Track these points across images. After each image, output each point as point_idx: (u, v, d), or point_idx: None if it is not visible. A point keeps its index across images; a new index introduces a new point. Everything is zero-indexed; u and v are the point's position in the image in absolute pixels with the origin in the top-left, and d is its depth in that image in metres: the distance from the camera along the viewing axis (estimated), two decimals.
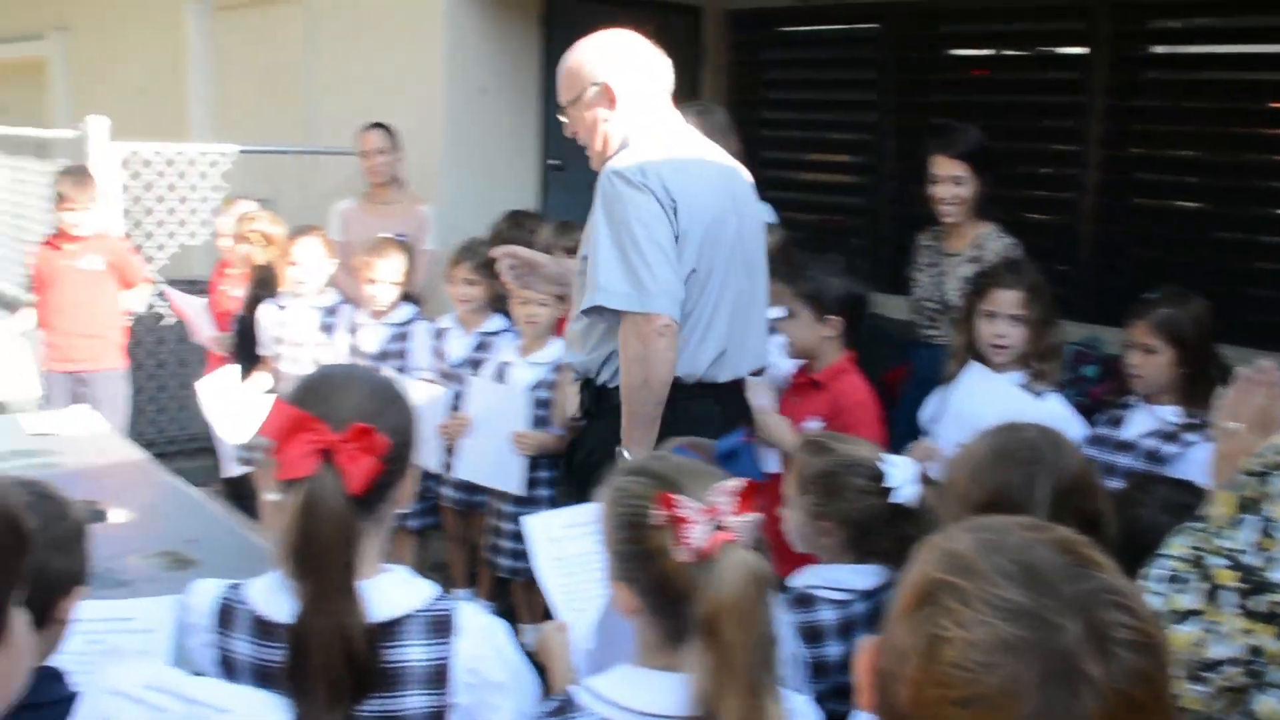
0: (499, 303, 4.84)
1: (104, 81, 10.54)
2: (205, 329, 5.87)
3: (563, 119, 3.33)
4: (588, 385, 3.28)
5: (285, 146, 7.15)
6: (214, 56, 8.90)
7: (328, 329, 5.07)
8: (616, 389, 3.09)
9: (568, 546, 2.49)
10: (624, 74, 3.19)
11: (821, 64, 7.59)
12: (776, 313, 3.87)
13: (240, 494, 5.00)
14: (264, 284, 5.33)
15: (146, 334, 6.64)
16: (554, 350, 4.49)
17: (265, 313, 5.19)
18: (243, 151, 6.70)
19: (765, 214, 4.01)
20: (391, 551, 1.97)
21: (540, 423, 4.47)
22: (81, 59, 11.08)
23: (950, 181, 4.43)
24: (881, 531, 2.46)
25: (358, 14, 7.34)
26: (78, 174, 5.88)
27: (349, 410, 1.80)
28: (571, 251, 4.54)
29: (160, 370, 6.77)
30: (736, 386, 3.31)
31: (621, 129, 3.20)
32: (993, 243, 4.42)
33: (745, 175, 3.41)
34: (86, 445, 4.27)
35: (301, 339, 5.06)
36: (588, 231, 3.23)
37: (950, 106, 6.43)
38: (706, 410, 3.15)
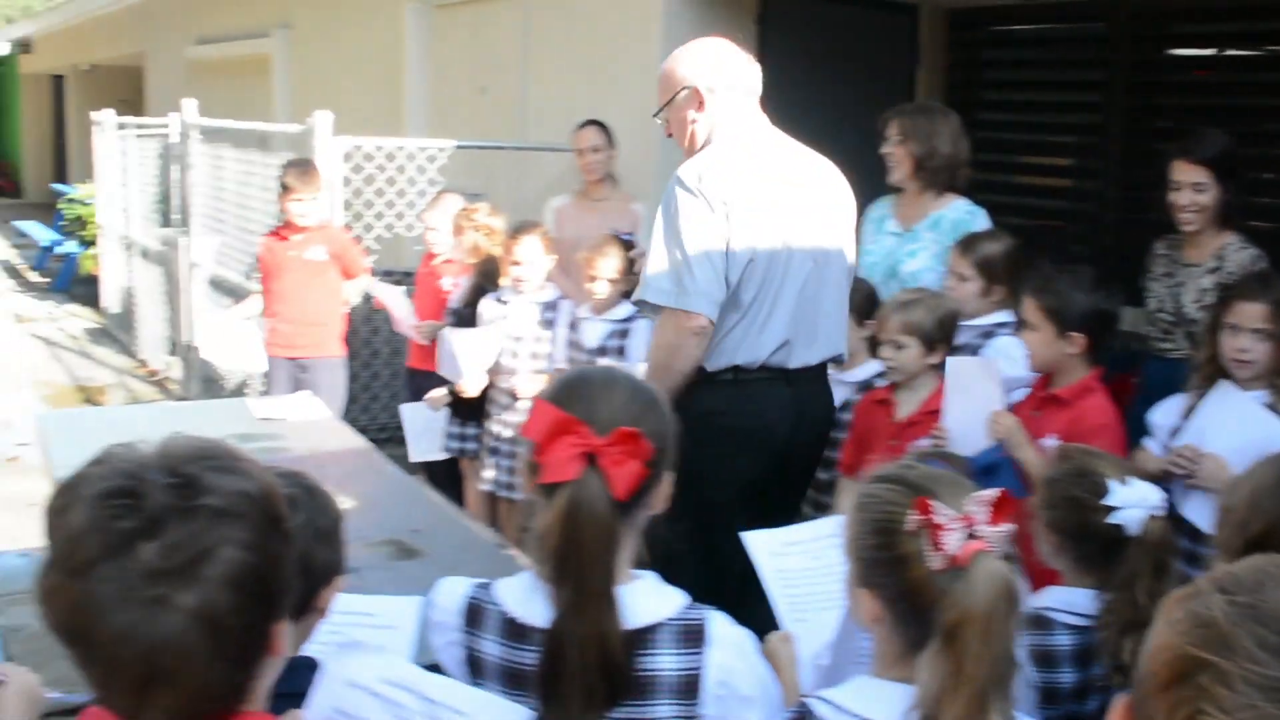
0: None
1: (323, 77, 10.88)
2: (406, 318, 5.95)
3: (658, 120, 3.60)
4: None
5: (500, 142, 7.24)
6: (431, 53, 9.08)
7: (547, 324, 5.10)
8: (699, 370, 3.32)
9: (789, 560, 2.51)
10: (712, 79, 3.45)
11: (1041, 64, 7.38)
12: (1000, 317, 3.75)
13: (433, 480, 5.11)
14: (488, 276, 5.38)
15: (362, 323, 6.80)
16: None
17: (486, 306, 5.25)
18: (459, 147, 6.81)
19: (965, 215, 4.25)
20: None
21: None
22: (302, 55, 11.45)
23: (1191, 188, 4.22)
24: (1102, 554, 2.34)
25: (574, 11, 7.41)
26: (303, 167, 6.04)
27: (612, 414, 1.79)
28: None
29: (374, 359, 6.93)
30: (811, 373, 3.48)
31: (706, 129, 3.46)
32: (1235, 254, 4.19)
33: (828, 173, 3.57)
34: (311, 431, 4.38)
35: (521, 333, 5.11)
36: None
37: (1179, 109, 6.19)
38: (776, 393, 3.39)
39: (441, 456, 5.49)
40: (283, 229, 6.10)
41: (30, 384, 9.75)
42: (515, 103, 7.93)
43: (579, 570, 1.74)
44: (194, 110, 8.72)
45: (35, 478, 7.09)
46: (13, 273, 16.32)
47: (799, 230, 3.40)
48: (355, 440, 4.33)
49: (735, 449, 3.35)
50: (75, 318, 12.80)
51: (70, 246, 14.09)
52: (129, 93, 18.19)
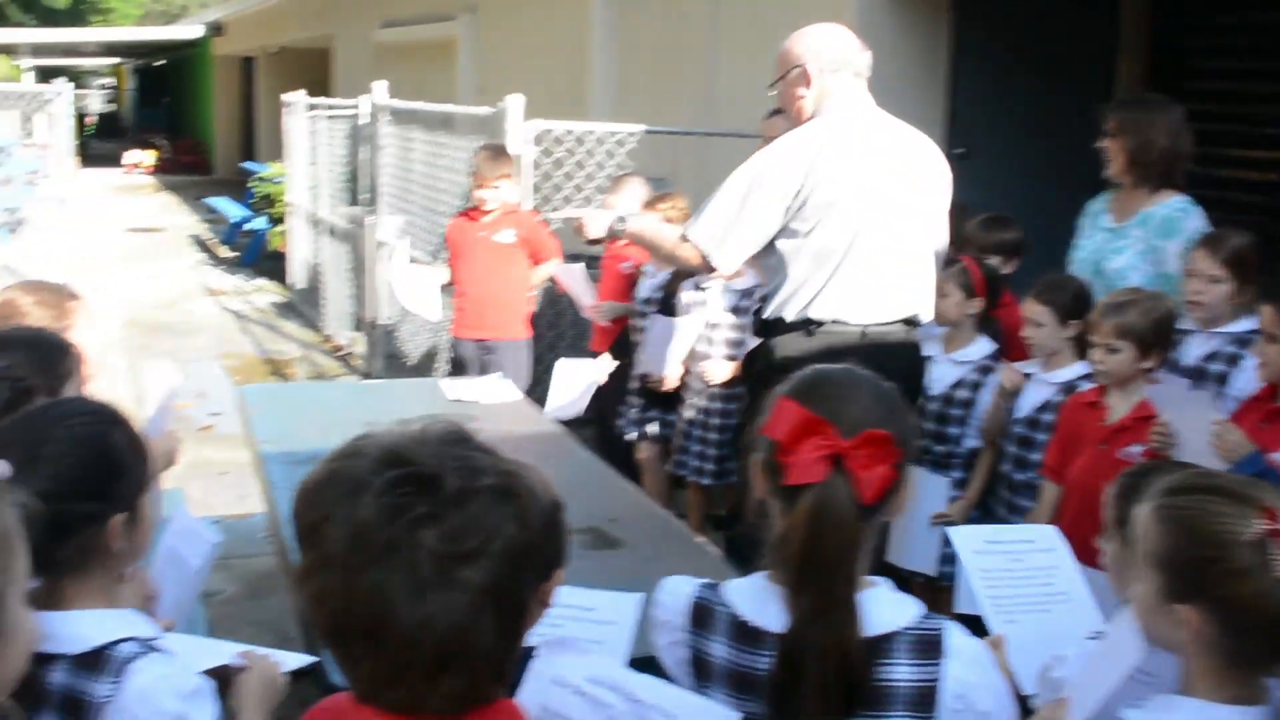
0: None
1: (508, 60, 11.00)
2: (587, 299, 5.95)
3: (771, 92, 4.09)
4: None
5: (687, 127, 7.21)
6: (616, 36, 9.10)
7: (743, 311, 5.07)
8: (776, 321, 3.79)
9: (991, 560, 2.48)
10: (819, 60, 3.82)
11: (1250, 53, 7.06)
12: (1251, 323, 3.54)
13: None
14: None
15: (547, 306, 6.84)
16: (980, 346, 4.35)
17: (685, 292, 5.25)
18: (648, 132, 6.79)
19: (1176, 212, 4.13)
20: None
21: (957, 423, 4.32)
22: (487, 38, 11.59)
23: None
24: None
25: None
26: (495, 150, 6.09)
27: (858, 415, 1.73)
28: (998, 249, 4.46)
29: (559, 341, 6.96)
30: (886, 331, 3.78)
31: (811, 105, 3.85)
32: None
33: (924, 151, 3.96)
34: (504, 414, 4.41)
35: (718, 320, 5.10)
36: None
37: None
38: (849, 345, 3.63)
39: (571, 415, 5.35)
40: (473, 210, 6.16)
41: (221, 355, 10.07)
42: (703, 87, 7.89)
43: (821, 576, 1.69)
44: (384, 92, 8.86)
45: (227, 447, 7.33)
46: (203, 247, 16.89)
47: (884, 200, 3.74)
48: (548, 424, 4.35)
49: None
50: (262, 292, 13.17)
51: (259, 223, 14.51)
52: (316, 74, 18.64)
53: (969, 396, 4.31)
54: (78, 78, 58.09)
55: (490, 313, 6.14)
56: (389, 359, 9.02)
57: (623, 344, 5.83)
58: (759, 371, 3.92)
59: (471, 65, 11.87)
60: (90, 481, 1.89)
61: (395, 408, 4.37)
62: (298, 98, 11.78)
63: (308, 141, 11.61)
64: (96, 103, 52.30)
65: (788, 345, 3.77)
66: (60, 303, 3.12)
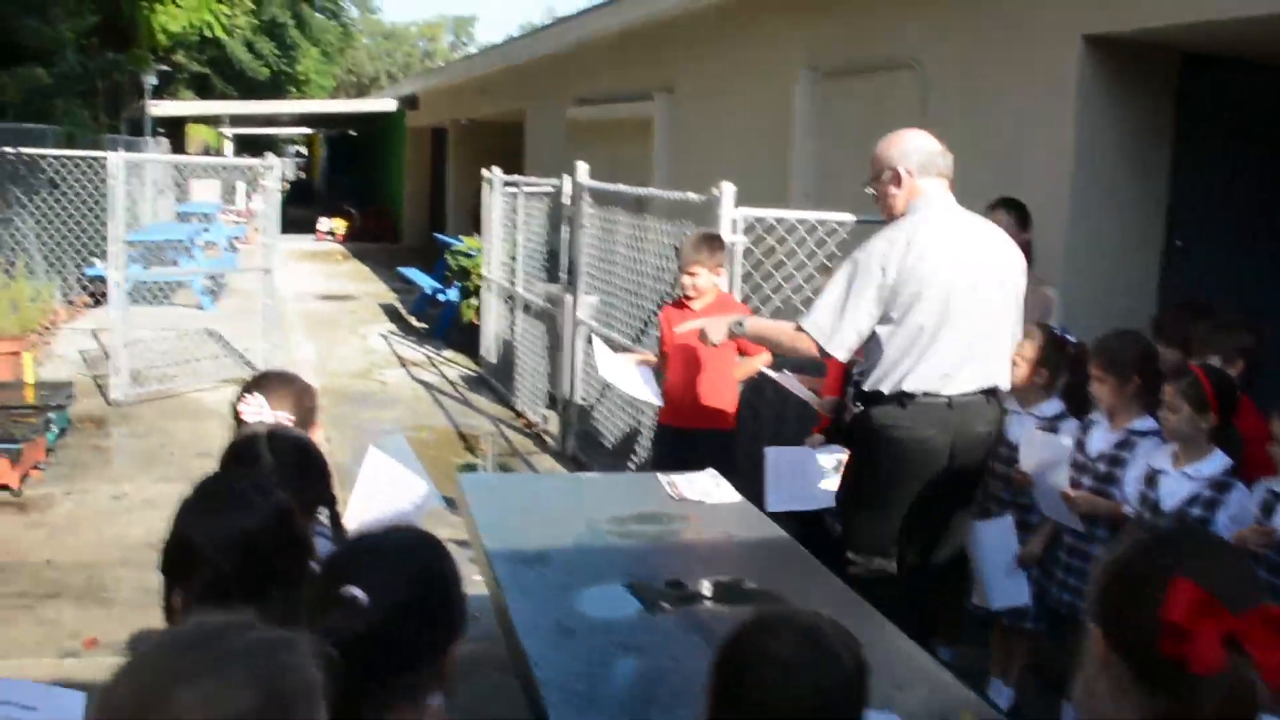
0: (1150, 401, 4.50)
1: (704, 141, 11.02)
2: (803, 392, 5.84)
3: (868, 190, 4.61)
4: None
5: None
6: (821, 122, 9.03)
7: None
8: (873, 392, 4.39)
9: None
10: (909, 163, 4.44)
11: None
12: None
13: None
14: None
15: (751, 395, 6.73)
16: (1216, 463, 4.11)
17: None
18: (859, 222, 6.69)
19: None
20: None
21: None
22: (684, 119, 11.63)
23: None
24: None
25: (978, 86, 7.20)
26: (708, 239, 6.04)
27: (1237, 586, 1.53)
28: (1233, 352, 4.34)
29: (762, 432, 6.84)
30: (970, 398, 4.38)
31: (901, 203, 4.45)
32: None
33: (1001, 242, 4.53)
34: (725, 515, 4.31)
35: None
36: None
37: None
38: (938, 413, 4.33)
39: (803, 508, 5.29)
40: (683, 298, 6.11)
41: (415, 427, 10.19)
42: None
43: None
44: (585, 173, 8.93)
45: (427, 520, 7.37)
46: (394, 315, 17.24)
47: (967, 286, 4.29)
48: (771, 528, 4.22)
49: (902, 454, 4.35)
50: (453, 364, 13.36)
51: (451, 294, 14.74)
52: (507, 147, 18.99)
53: (1204, 515, 4.07)
54: (273, 145, 60.51)
55: (696, 402, 6.06)
56: (583, 438, 9.02)
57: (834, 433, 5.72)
58: (860, 438, 4.56)
59: (667, 145, 11.93)
60: (432, 611, 1.98)
61: (617, 504, 4.31)
62: (496, 174, 11.97)
63: (505, 217, 11.78)
64: (289, 170, 54.28)
65: (885, 415, 4.37)
66: (302, 400, 3.14)
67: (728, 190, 6.38)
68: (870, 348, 4.39)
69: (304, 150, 58.04)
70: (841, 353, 4.38)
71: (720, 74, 10.86)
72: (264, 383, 3.14)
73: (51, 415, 8.69)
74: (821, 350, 4.37)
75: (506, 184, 11.79)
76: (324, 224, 30.76)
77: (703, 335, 4.94)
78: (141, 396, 10.72)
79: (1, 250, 12.94)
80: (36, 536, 7.05)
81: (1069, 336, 4.95)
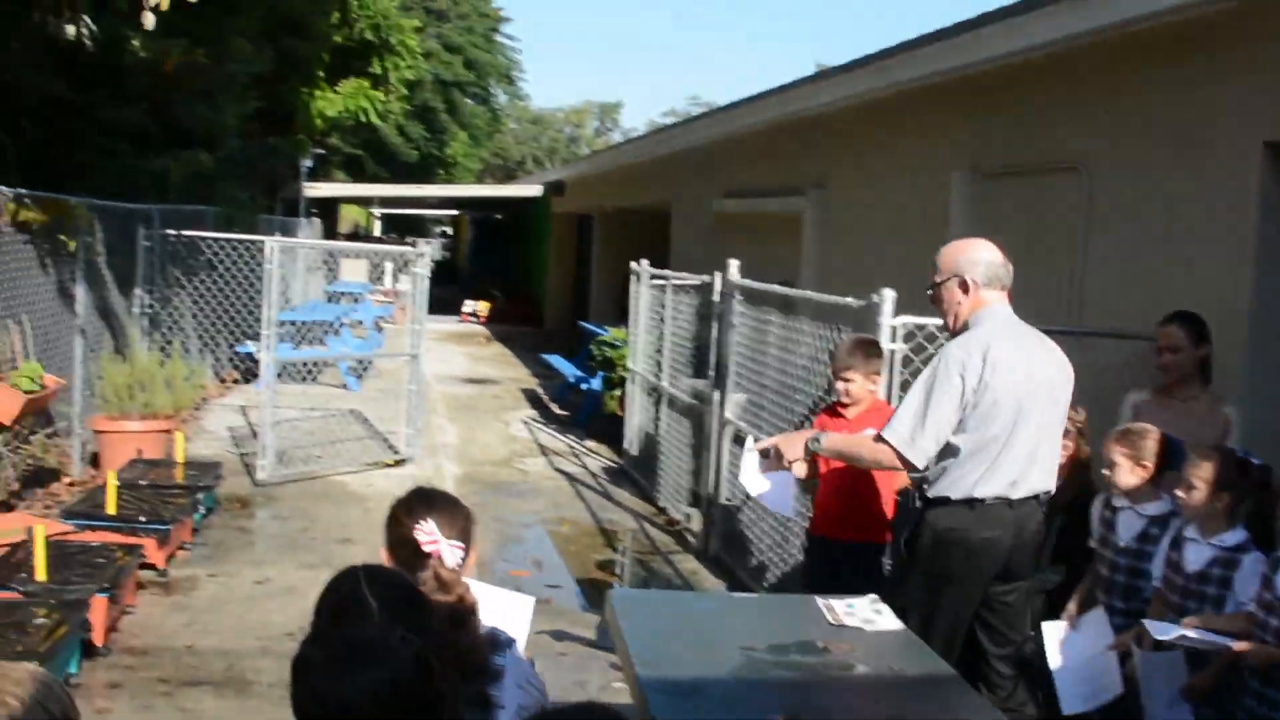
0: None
1: (855, 239, 10.85)
2: None
3: (929, 292, 4.77)
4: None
5: (1051, 323, 6.80)
6: (977, 223, 8.81)
7: (1151, 539, 4.71)
8: (938, 498, 4.56)
9: None
10: (975, 272, 4.61)
11: None
12: None
13: None
14: (1083, 485, 5.10)
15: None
16: None
17: (1096, 511, 4.97)
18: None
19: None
20: None
21: None
22: (835, 216, 11.49)
23: None
24: None
25: (1145, 187, 6.93)
26: (867, 345, 5.86)
27: None
28: None
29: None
30: (1028, 500, 4.58)
31: (967, 312, 4.64)
32: None
33: (1054, 353, 4.72)
34: (886, 646, 4.09)
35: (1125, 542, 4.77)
36: None
37: None
38: (1001, 514, 4.52)
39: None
40: (838, 405, 5.93)
41: (556, 520, 10.11)
42: (1068, 281, 7.51)
43: None
44: (736, 270, 8.82)
45: (564, 620, 7.25)
46: (536, 401, 17.27)
47: (1032, 397, 4.48)
48: (936, 662, 3.99)
49: (967, 556, 4.51)
50: (594, 455, 13.28)
51: (595, 384, 14.70)
52: (653, 236, 19.04)
53: None
54: (420, 226, 61.85)
55: (849, 513, 5.85)
56: (727, 539, 8.83)
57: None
58: (924, 545, 4.63)
59: (817, 241, 11.78)
60: None
61: (774, 630, 4.12)
62: (644, 267, 11.94)
63: (652, 310, 11.73)
64: (435, 250, 55.38)
65: (953, 517, 4.53)
66: (469, 526, 3.02)
67: (888, 296, 6.20)
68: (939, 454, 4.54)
69: (449, 231, 59.21)
70: (921, 460, 4.48)
71: (874, 171, 10.72)
72: (433, 505, 2.99)
73: (200, 495, 8.78)
74: (902, 458, 4.47)
75: (654, 277, 11.75)
76: (468, 305, 31.18)
77: (775, 454, 5.00)
78: (286, 477, 10.82)
79: (159, 328, 13.23)
80: (179, 620, 7.07)
81: (1252, 459, 4.66)
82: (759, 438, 6.30)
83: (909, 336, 6.26)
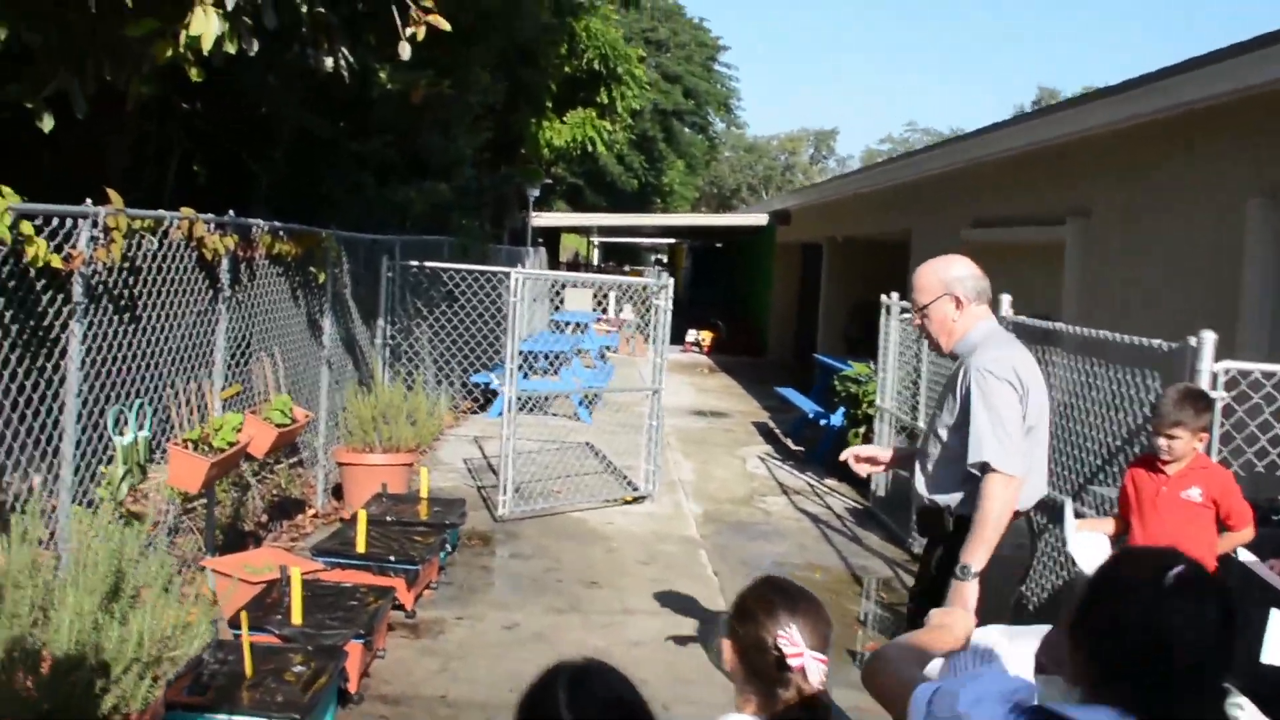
0: None
1: (1125, 272, 10.11)
2: (1272, 575, 4.99)
3: (916, 316, 4.83)
4: (940, 512, 4.69)
5: None
6: (1277, 257, 8.04)
7: None
8: (964, 517, 4.48)
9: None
10: (963, 288, 4.68)
11: None
12: None
13: None
14: None
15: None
16: None
17: None
18: None
19: None
20: None
21: None
22: (1101, 246, 10.76)
23: None
24: None
25: None
26: (1194, 396, 5.25)
27: None
28: None
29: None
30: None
31: (960, 328, 4.69)
32: None
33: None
34: None
35: None
36: (947, 399, 4.69)
37: None
38: (1018, 525, 4.65)
39: None
40: (1159, 461, 5.33)
41: (806, 566, 9.63)
42: None
43: None
44: (1008, 306, 8.24)
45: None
46: (768, 435, 16.81)
47: (1045, 410, 4.65)
48: None
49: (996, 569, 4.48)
50: (837, 494, 12.75)
51: (835, 419, 14.15)
52: (888, 266, 18.43)
53: None
54: (634, 254, 62.22)
55: None
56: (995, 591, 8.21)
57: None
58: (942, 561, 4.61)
59: (1080, 273, 11.05)
60: None
61: None
62: (894, 300, 11.40)
63: (902, 344, 11.19)
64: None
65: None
66: (825, 631, 2.59)
67: (1208, 339, 5.59)
68: (958, 475, 4.55)
69: (663, 259, 59.43)
70: (1022, 470, 4.46)
71: (1148, 199, 9.96)
72: (795, 606, 2.57)
73: (446, 534, 8.60)
74: (1014, 480, 4.43)
75: (906, 310, 11.19)
76: (691, 335, 30.93)
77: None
78: (526, 513, 10.63)
79: (400, 360, 13.24)
80: (430, 666, 6.84)
81: None
82: (1077, 506, 5.81)
83: (1232, 384, 5.63)
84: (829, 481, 13.35)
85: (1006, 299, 8.25)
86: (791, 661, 2.45)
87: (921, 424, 10.31)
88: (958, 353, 4.74)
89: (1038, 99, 78.69)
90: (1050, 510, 6.66)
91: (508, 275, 10.63)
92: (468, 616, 7.76)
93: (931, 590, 4.62)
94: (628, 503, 11.48)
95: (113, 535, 4.74)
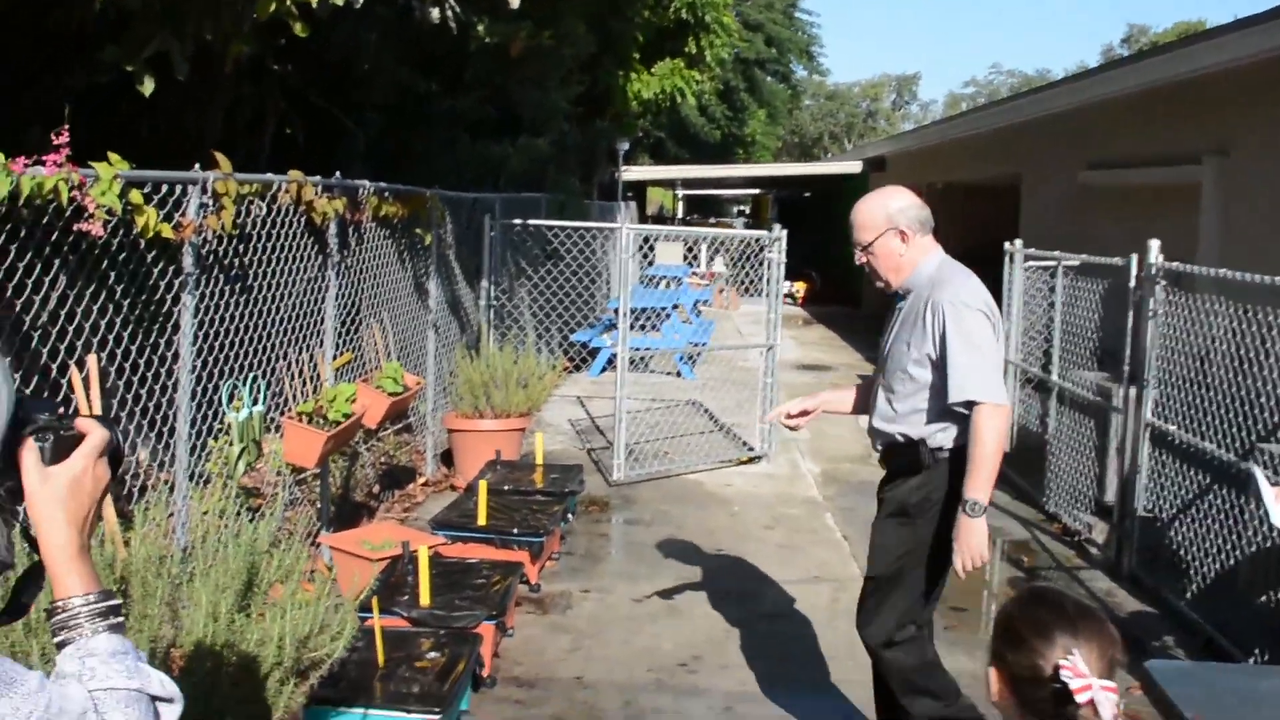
0: None
1: (1271, 214, 9.52)
2: None
3: (860, 254, 4.60)
4: (915, 445, 4.46)
5: None
6: None
7: None
8: (946, 450, 4.41)
9: None
10: (905, 220, 4.50)
11: None
12: None
13: None
14: None
15: None
16: None
17: None
18: None
19: None
20: None
21: None
22: (1243, 187, 10.16)
23: None
24: None
25: None
26: None
27: None
28: None
29: None
30: None
31: (909, 262, 4.53)
32: None
33: None
34: None
35: None
36: (913, 335, 4.45)
37: None
38: None
39: None
40: None
41: None
42: None
43: None
44: (1157, 251, 7.71)
45: None
46: None
47: (1001, 336, 4.54)
48: None
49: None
50: None
51: None
52: (994, 212, 17.83)
53: None
54: (718, 206, 61.57)
55: None
56: (1148, 557, 7.76)
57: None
58: (939, 503, 4.45)
59: (1219, 216, 10.46)
60: None
61: None
62: (1018, 247, 10.87)
63: (1026, 294, 10.66)
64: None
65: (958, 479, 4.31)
66: (1112, 654, 2.18)
67: None
68: (935, 408, 4.41)
69: (746, 210, 58.85)
70: (1005, 398, 4.33)
71: None
72: (1076, 626, 2.12)
73: (566, 502, 8.28)
74: (1004, 409, 4.28)
75: (1031, 258, 10.66)
76: (785, 286, 30.38)
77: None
78: (640, 476, 10.30)
79: (504, 322, 12.93)
80: (561, 644, 6.53)
81: None
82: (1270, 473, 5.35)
83: None
84: None
85: (1155, 244, 7.71)
86: (1079, 697, 2.03)
87: (1056, 378, 9.81)
88: (909, 287, 4.55)
89: (1127, 35, 76.73)
90: (1237, 481, 6.19)
91: (613, 231, 10.26)
92: (594, 589, 7.45)
93: (901, 513, 4.57)
94: (743, 463, 11.11)
95: (245, 527, 4.43)
